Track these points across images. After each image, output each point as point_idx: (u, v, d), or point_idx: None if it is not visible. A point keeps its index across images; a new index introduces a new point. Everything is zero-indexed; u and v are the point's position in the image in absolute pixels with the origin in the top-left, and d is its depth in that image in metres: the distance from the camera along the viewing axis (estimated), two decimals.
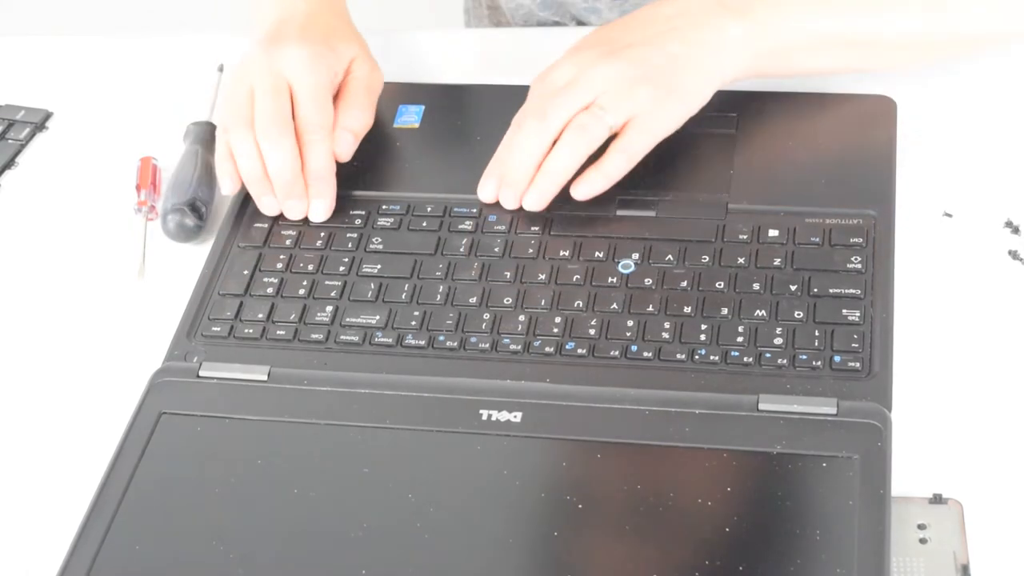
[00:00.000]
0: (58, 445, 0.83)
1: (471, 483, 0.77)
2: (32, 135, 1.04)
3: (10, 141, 1.04)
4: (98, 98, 1.07)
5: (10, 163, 1.02)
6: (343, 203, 0.92)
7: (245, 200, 0.93)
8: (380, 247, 0.89)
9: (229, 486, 0.78)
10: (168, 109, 1.03)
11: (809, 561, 0.71)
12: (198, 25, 1.13)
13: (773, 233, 0.86)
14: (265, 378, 0.82)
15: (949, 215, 0.90)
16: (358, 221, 0.91)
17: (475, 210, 0.90)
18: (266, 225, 0.91)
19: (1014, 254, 0.87)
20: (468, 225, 0.90)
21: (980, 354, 0.82)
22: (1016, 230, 0.88)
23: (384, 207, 0.91)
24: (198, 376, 0.83)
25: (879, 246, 0.85)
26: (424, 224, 0.90)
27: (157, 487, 0.78)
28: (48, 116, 1.06)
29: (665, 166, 0.92)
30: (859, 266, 0.84)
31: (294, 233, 0.91)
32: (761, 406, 0.77)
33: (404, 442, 0.79)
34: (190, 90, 1.04)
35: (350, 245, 0.89)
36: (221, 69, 1.04)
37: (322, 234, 0.90)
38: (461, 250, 0.88)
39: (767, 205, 0.88)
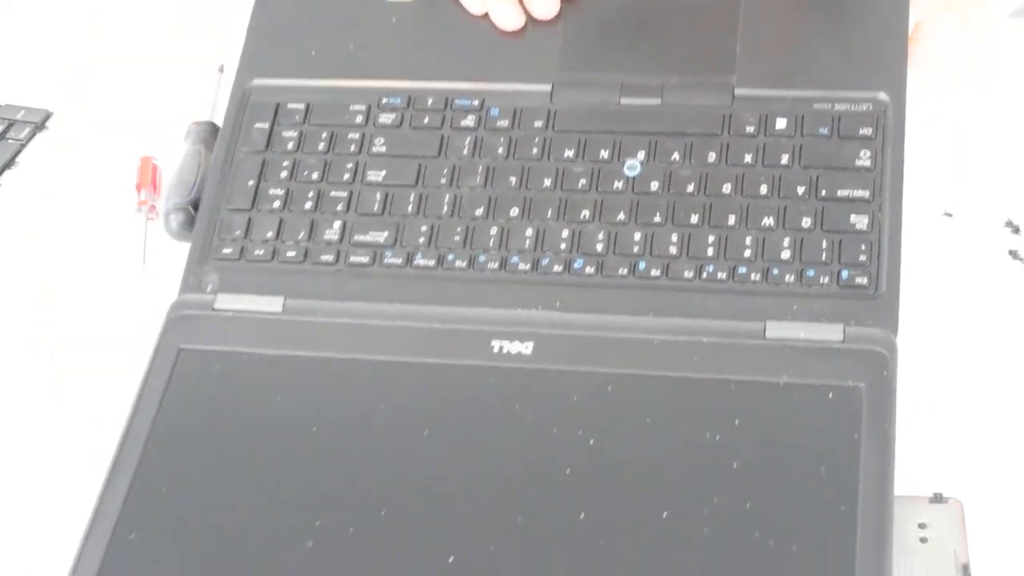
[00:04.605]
0: (59, 447, 0.85)
1: (483, 418, 0.79)
2: (32, 135, 1.03)
3: (10, 141, 1.02)
4: (98, 98, 1.05)
5: (10, 163, 1.02)
6: (341, 96, 0.90)
7: (242, 101, 0.91)
8: (383, 150, 0.88)
9: (248, 426, 0.80)
10: (168, 109, 1.01)
11: (814, 499, 0.73)
12: (198, 25, 1.08)
13: (780, 124, 0.85)
14: (280, 309, 0.83)
15: (949, 215, 0.89)
16: (359, 119, 0.89)
17: (477, 103, 0.89)
18: (267, 125, 0.90)
19: (1014, 254, 0.86)
20: (470, 121, 0.88)
21: (980, 354, 0.82)
22: (1016, 230, 0.87)
23: (384, 100, 0.90)
24: (213, 309, 0.84)
25: (888, 137, 0.83)
26: (426, 120, 0.88)
27: (180, 428, 0.80)
28: (48, 116, 1.04)
29: (669, 42, 0.89)
30: (868, 163, 0.82)
31: (295, 134, 0.89)
32: (768, 333, 0.78)
33: (416, 376, 0.80)
34: (190, 90, 1.01)
35: (353, 148, 0.88)
36: (221, 70, 1.01)
37: (324, 135, 0.89)
38: (464, 152, 0.87)
39: (774, 89, 0.86)
